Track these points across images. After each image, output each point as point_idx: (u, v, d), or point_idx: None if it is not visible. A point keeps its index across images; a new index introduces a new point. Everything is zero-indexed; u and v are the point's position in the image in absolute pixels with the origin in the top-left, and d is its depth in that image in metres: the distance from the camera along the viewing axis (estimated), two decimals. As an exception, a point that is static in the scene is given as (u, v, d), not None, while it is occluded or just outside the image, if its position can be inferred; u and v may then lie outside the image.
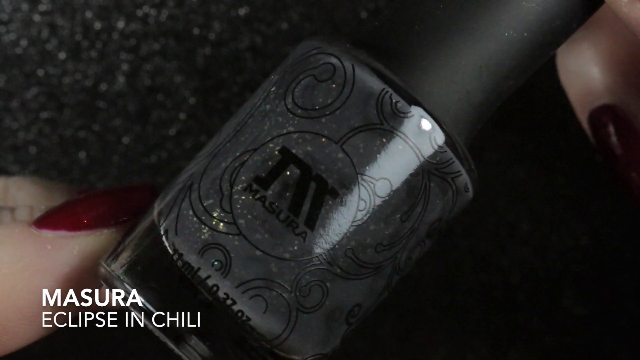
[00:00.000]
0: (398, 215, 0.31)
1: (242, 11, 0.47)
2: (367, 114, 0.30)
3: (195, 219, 0.30)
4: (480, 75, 0.32)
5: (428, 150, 0.31)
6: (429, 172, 0.31)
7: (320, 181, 0.30)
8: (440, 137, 0.31)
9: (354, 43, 0.32)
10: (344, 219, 0.30)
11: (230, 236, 0.29)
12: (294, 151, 0.30)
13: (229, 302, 0.29)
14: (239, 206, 0.30)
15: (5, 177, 0.35)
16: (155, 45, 0.46)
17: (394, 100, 0.30)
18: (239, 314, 0.29)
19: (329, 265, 0.30)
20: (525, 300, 0.47)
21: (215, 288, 0.29)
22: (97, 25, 0.46)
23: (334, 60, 0.31)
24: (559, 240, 0.47)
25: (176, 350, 0.30)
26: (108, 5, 0.46)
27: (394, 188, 0.30)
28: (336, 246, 0.30)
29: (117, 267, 0.30)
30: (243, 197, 0.30)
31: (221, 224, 0.30)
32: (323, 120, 0.30)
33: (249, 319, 0.29)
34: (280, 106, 0.31)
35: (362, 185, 0.30)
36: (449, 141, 0.31)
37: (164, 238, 0.30)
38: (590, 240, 0.47)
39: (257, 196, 0.30)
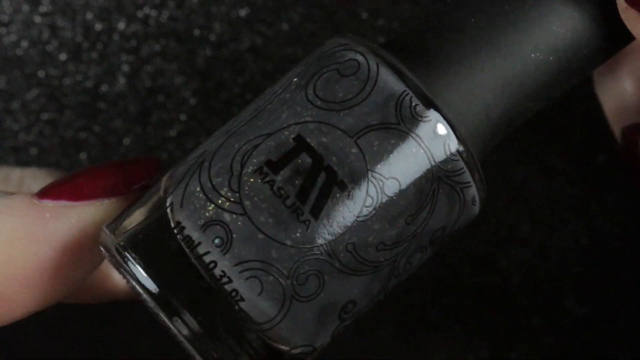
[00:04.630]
0: (403, 217, 0.31)
1: (243, 12, 0.47)
2: (385, 113, 0.30)
3: (202, 195, 0.30)
4: (501, 92, 0.32)
5: (440, 156, 0.31)
6: (439, 178, 0.31)
7: (331, 172, 0.30)
8: (454, 145, 0.31)
9: (382, 45, 0.32)
10: (349, 213, 0.30)
11: (234, 215, 0.29)
12: (308, 140, 0.30)
13: (224, 279, 0.29)
14: (247, 187, 0.30)
15: (22, 168, 0.35)
16: (155, 46, 0.47)
17: (413, 103, 0.31)
18: (233, 293, 0.29)
19: (328, 257, 0.30)
20: (525, 301, 0.47)
21: (212, 264, 0.29)
22: (98, 26, 0.46)
23: (359, 58, 0.31)
24: (559, 241, 0.47)
25: (167, 322, 0.30)
26: (109, 6, 0.46)
27: (402, 188, 0.30)
28: (338, 239, 0.30)
29: (119, 234, 0.30)
30: (252, 179, 0.30)
31: (227, 203, 0.30)
32: (341, 113, 0.30)
33: (242, 299, 0.29)
34: (300, 95, 0.31)
35: (372, 181, 0.30)
36: (463, 150, 0.31)
37: (168, 210, 0.30)
38: (590, 240, 0.47)
39: (267, 179, 0.30)
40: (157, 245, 0.30)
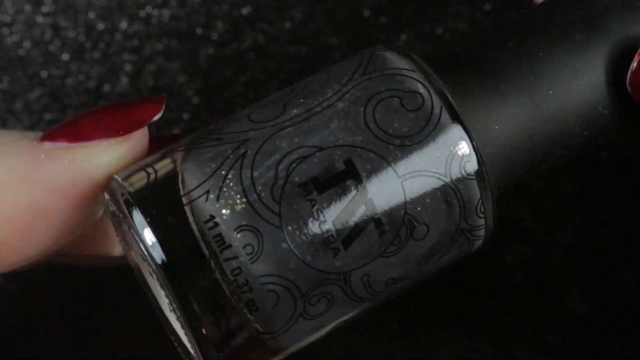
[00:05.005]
0: (418, 259, 0.31)
1: (245, 11, 0.47)
2: (437, 162, 0.30)
3: (242, 196, 0.29)
4: (530, 152, 0.33)
5: (471, 213, 0.31)
6: (462, 231, 0.31)
7: (372, 207, 0.30)
8: (486, 204, 0.32)
9: (442, 70, 0.32)
10: (376, 249, 0.30)
11: (270, 227, 0.29)
12: (357, 167, 0.30)
13: (245, 288, 0.29)
14: (288, 200, 0.29)
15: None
16: (158, 45, 0.47)
17: (464, 160, 0.31)
18: (250, 303, 0.29)
19: (344, 283, 0.30)
20: (529, 299, 0.47)
21: (237, 271, 0.29)
22: (100, 26, 0.47)
23: (424, 93, 0.31)
24: (562, 239, 0.47)
25: (159, 288, 0.29)
26: (111, 6, 0.46)
27: (429, 235, 0.31)
28: (358, 270, 0.30)
29: (129, 185, 0.29)
30: (296, 193, 0.29)
31: (267, 212, 0.29)
32: (396, 150, 0.30)
33: (256, 309, 0.29)
34: (356, 112, 0.30)
35: (405, 224, 0.30)
36: (490, 210, 0.32)
37: (203, 200, 0.29)
38: (593, 239, 0.47)
39: (309, 197, 0.29)
40: (164, 205, 0.29)
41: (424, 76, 0.31)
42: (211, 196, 0.29)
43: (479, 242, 0.32)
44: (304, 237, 0.29)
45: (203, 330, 0.29)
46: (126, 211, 0.29)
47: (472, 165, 0.31)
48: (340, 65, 0.32)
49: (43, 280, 0.46)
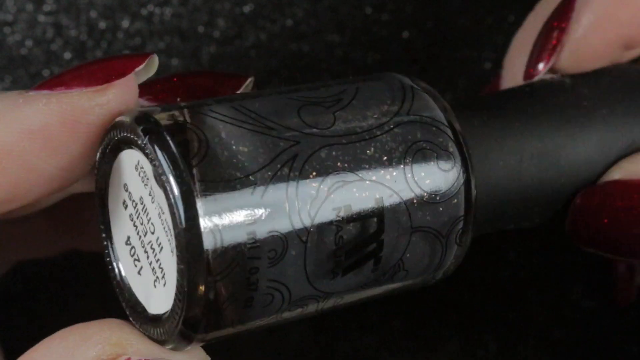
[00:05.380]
0: (387, 292, 0.33)
1: (247, 8, 0.47)
2: (443, 222, 0.32)
3: (285, 204, 0.29)
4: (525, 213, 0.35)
5: (444, 270, 0.33)
6: (433, 275, 0.33)
7: (379, 247, 0.31)
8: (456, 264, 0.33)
9: (465, 126, 0.33)
10: (364, 281, 0.31)
11: (297, 241, 0.29)
12: (385, 211, 0.31)
13: (252, 287, 0.29)
14: (320, 221, 0.29)
15: None
16: (160, 43, 0.47)
17: (461, 230, 0.32)
18: (249, 300, 0.29)
19: (323, 301, 0.31)
20: (533, 295, 0.47)
21: (254, 270, 0.29)
22: (102, 24, 0.46)
23: (452, 152, 0.32)
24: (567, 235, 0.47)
25: (162, 213, 0.29)
26: (112, 4, 0.46)
27: (407, 279, 0.32)
28: (339, 294, 0.31)
29: (161, 118, 0.29)
30: (328, 215, 0.30)
31: (300, 225, 0.29)
32: (420, 208, 0.31)
33: (250, 306, 0.29)
34: (399, 155, 0.31)
35: (395, 268, 0.31)
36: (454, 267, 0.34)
37: (248, 193, 0.29)
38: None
39: (337, 223, 0.30)
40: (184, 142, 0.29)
41: (453, 134, 0.32)
42: (256, 192, 0.29)
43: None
44: (320, 257, 0.30)
45: (200, 288, 0.29)
46: (139, 132, 0.29)
47: (465, 237, 0.32)
48: (382, 86, 0.33)
49: (44, 280, 0.46)
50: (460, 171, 0.32)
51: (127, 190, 0.31)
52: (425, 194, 0.31)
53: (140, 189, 0.30)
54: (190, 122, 0.29)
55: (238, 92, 0.32)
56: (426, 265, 0.32)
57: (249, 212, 0.29)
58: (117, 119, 0.30)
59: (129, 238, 0.31)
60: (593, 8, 0.36)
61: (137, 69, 0.31)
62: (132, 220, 0.31)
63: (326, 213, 0.30)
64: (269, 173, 0.29)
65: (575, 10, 0.37)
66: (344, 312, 0.45)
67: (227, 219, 0.28)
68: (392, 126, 0.31)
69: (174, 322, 0.29)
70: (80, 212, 0.34)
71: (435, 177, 0.31)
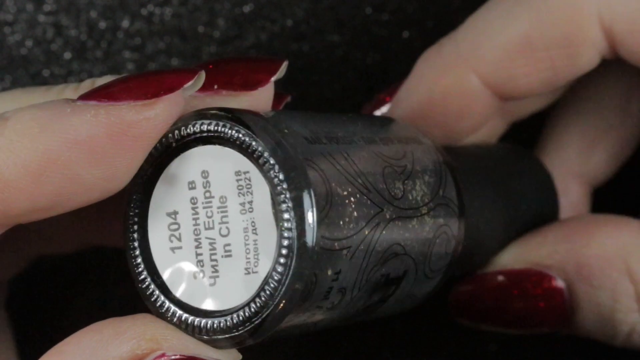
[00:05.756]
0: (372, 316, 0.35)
1: (247, 8, 0.47)
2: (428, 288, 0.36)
3: (346, 218, 0.31)
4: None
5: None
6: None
7: (394, 285, 0.34)
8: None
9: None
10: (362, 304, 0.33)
11: (343, 257, 0.31)
12: (405, 271, 0.34)
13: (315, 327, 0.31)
14: (370, 283, 0.32)
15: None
16: (160, 43, 0.47)
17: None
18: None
19: (320, 316, 0.32)
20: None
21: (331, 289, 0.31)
22: (102, 24, 0.46)
23: (450, 237, 0.35)
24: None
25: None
26: (112, 4, 0.46)
27: (387, 310, 0.35)
28: (334, 316, 0.33)
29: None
30: (377, 277, 0.33)
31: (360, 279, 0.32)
32: (423, 275, 0.35)
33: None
34: (428, 236, 0.34)
35: (382, 291, 0.34)
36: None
37: (349, 253, 0.31)
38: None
39: (378, 266, 0.32)
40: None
41: (459, 213, 0.36)
42: (347, 254, 0.31)
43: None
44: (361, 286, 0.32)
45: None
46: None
47: None
48: (428, 159, 0.35)
49: (67, 276, 0.46)
50: (455, 253, 0.36)
51: (205, 178, 0.31)
52: (430, 272, 0.35)
53: (230, 192, 0.30)
54: (321, 171, 0.30)
55: (274, 77, 0.33)
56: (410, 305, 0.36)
57: (335, 269, 0.31)
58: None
59: (176, 213, 0.31)
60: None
61: (186, 85, 0.31)
62: (193, 203, 0.31)
63: (377, 275, 0.32)
64: (360, 237, 0.31)
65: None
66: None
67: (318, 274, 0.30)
68: (434, 205, 0.34)
69: (236, 327, 0.30)
70: (104, 207, 0.34)
71: (440, 259, 0.35)
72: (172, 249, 0.31)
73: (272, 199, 0.30)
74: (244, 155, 0.30)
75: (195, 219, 0.31)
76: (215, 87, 0.32)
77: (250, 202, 0.30)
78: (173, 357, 0.30)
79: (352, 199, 0.31)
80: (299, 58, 0.46)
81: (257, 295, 0.30)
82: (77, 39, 0.46)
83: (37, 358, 0.31)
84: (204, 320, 0.30)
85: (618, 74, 0.40)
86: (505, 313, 0.40)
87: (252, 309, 0.30)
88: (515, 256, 0.39)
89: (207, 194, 0.31)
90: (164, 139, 0.31)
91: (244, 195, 0.30)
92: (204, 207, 0.31)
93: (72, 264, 0.46)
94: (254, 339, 0.30)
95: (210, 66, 0.33)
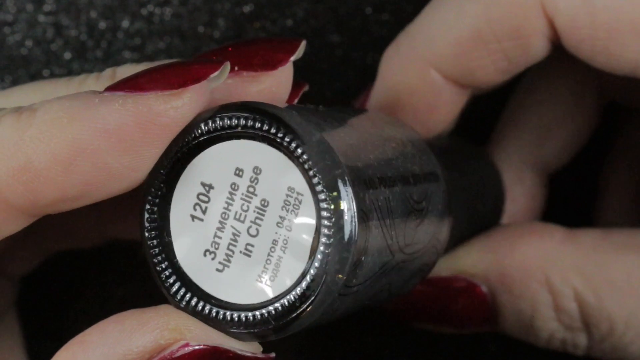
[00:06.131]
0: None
1: (247, 8, 0.47)
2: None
3: (369, 272, 0.31)
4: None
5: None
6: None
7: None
8: None
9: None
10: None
11: (357, 293, 0.31)
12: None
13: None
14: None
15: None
16: (160, 44, 0.47)
17: None
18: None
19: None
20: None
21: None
22: (102, 24, 0.47)
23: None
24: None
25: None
26: (112, 4, 0.46)
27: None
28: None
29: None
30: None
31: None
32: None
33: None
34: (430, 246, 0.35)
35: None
36: None
37: (356, 295, 0.31)
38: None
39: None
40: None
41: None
42: (353, 295, 0.31)
43: None
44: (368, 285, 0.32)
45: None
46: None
47: None
48: (442, 205, 0.35)
49: (85, 270, 0.46)
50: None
51: (256, 174, 0.30)
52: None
53: (275, 201, 0.30)
54: (367, 230, 0.30)
55: (293, 57, 0.33)
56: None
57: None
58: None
59: (211, 187, 0.31)
60: None
61: (212, 75, 0.31)
62: (233, 189, 0.31)
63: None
64: (369, 282, 0.31)
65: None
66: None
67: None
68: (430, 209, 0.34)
69: (265, 321, 0.30)
70: (123, 201, 0.34)
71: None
72: (192, 217, 0.31)
73: (316, 235, 0.30)
74: (307, 183, 0.30)
75: (228, 204, 0.31)
76: (236, 68, 0.32)
77: (291, 222, 0.30)
78: (197, 347, 0.30)
79: (375, 254, 0.31)
80: (299, 58, 0.46)
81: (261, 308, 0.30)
82: (77, 39, 0.47)
83: (43, 355, 0.31)
84: (228, 313, 0.30)
85: (571, 64, 0.40)
86: (436, 314, 0.42)
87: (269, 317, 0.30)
88: (446, 264, 0.41)
89: (251, 189, 0.30)
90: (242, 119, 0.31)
91: (287, 212, 0.30)
92: (242, 199, 0.30)
93: (82, 261, 0.46)
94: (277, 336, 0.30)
95: (230, 49, 0.33)
